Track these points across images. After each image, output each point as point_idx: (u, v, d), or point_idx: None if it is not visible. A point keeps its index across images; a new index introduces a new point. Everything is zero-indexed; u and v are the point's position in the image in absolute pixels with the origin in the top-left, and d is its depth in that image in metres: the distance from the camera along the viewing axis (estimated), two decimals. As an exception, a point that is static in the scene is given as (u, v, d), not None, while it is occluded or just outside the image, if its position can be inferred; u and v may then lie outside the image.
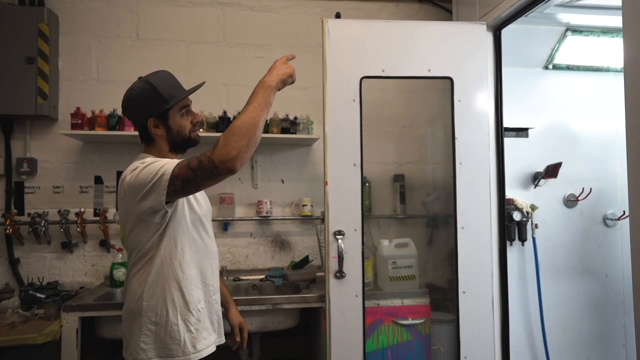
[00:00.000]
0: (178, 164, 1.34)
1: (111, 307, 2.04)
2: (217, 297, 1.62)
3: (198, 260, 1.53)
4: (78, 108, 2.44)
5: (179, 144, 1.55)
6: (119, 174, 2.56)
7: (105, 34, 2.69)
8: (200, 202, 1.58)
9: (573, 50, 2.55)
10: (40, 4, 2.55)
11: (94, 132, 2.42)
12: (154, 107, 1.48)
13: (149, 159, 1.43)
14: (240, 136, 1.28)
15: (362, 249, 2.13)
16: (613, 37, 2.45)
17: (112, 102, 2.59)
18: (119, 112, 2.48)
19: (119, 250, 2.50)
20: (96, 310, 2.04)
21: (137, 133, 2.42)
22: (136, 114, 1.53)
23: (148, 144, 1.56)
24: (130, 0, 2.72)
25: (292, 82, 1.47)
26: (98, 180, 2.65)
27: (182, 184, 1.32)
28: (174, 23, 2.76)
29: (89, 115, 2.47)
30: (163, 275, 1.45)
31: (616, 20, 2.31)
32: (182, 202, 1.48)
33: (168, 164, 1.35)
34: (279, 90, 1.43)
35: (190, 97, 1.58)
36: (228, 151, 1.26)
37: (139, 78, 1.55)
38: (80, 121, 2.43)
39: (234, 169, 1.27)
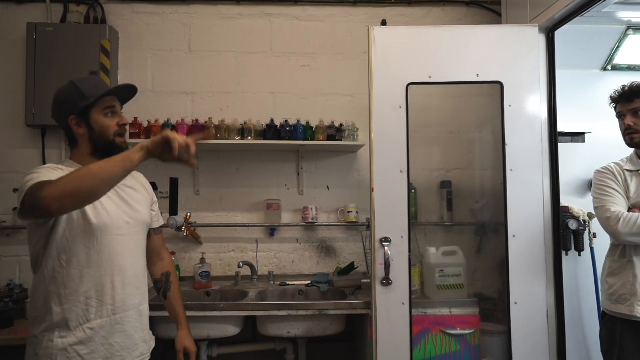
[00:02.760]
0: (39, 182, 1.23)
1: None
2: (127, 317, 1.45)
3: (91, 276, 1.39)
4: (136, 118, 2.58)
5: (101, 147, 1.46)
6: (172, 180, 2.69)
7: (160, 47, 2.83)
8: (105, 212, 1.42)
9: (635, 49, 2.42)
10: (103, 22, 2.74)
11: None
12: (74, 103, 1.44)
13: (38, 169, 1.36)
14: (73, 179, 1.19)
15: (409, 256, 2.11)
16: (680, 34, 2.30)
17: (166, 112, 2.73)
18: (173, 121, 2.61)
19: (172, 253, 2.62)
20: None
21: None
22: (59, 111, 1.47)
23: (72, 148, 1.51)
24: (183, 15, 2.85)
25: (176, 154, 1.25)
26: (153, 186, 2.77)
27: (22, 205, 1.25)
28: (224, 35, 2.86)
29: (145, 125, 2.61)
30: (45, 288, 1.37)
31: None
32: (75, 212, 1.36)
33: (35, 177, 1.27)
34: (154, 155, 1.28)
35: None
36: (52, 188, 1.18)
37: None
38: (137, 131, 2.57)
39: (47, 207, 1.17)
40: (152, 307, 1.95)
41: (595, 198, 1.92)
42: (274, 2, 2.87)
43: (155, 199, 1.72)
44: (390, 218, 2.12)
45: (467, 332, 2.20)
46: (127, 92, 1.55)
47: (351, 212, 2.74)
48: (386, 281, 2.07)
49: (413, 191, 2.60)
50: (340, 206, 2.80)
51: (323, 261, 2.82)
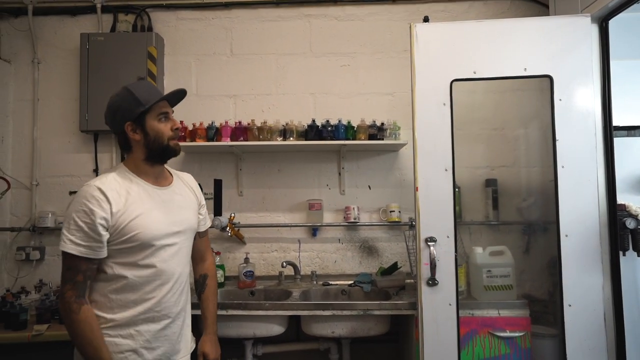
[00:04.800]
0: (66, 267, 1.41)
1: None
2: (171, 324, 1.53)
3: (141, 285, 1.48)
4: (181, 121, 2.66)
5: (156, 152, 1.51)
6: (216, 181, 2.75)
7: (204, 52, 2.91)
8: (153, 224, 1.48)
9: (696, 37, 2.27)
10: (149, 30, 2.84)
11: (194, 143, 2.62)
12: (130, 110, 1.46)
13: (83, 189, 1.42)
14: (71, 330, 1.40)
15: (455, 256, 2.07)
16: None
17: (209, 115, 2.80)
18: (217, 124, 2.68)
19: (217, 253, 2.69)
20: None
21: (233, 143, 2.60)
22: (114, 118, 1.50)
23: (127, 152, 1.55)
24: (225, 20, 2.92)
25: None
26: (198, 187, 2.86)
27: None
28: (264, 37, 2.91)
29: (190, 127, 2.68)
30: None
31: None
32: (123, 228, 1.43)
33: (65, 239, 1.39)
34: None
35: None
36: (66, 314, 1.39)
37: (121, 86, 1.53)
38: (183, 134, 2.65)
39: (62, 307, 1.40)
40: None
41: None
42: (313, 2, 2.89)
43: (203, 201, 1.74)
44: (435, 217, 2.08)
45: (516, 334, 2.13)
46: (177, 96, 1.59)
47: (393, 211, 2.71)
48: (432, 281, 2.04)
49: (457, 189, 2.55)
50: (382, 206, 2.78)
51: (365, 261, 2.81)
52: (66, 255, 1.38)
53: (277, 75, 2.89)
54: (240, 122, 2.69)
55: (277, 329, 2.29)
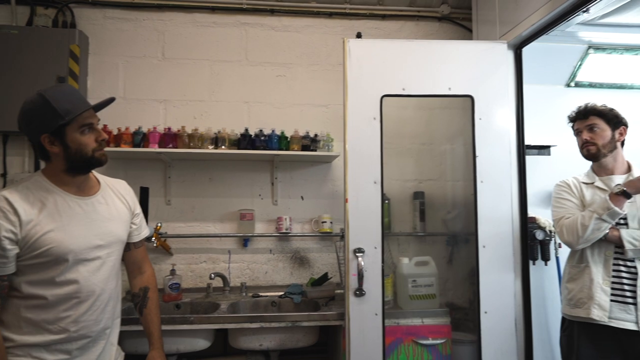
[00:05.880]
0: None
1: (132, 322, 2.04)
2: (93, 342, 1.44)
3: (59, 302, 1.38)
4: (105, 125, 2.51)
5: (78, 164, 1.39)
6: (142, 189, 2.62)
7: (133, 53, 2.78)
8: (71, 238, 1.37)
9: (595, 67, 2.53)
10: (72, 26, 2.67)
11: (119, 148, 2.49)
12: (47, 122, 1.33)
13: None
14: None
15: (382, 267, 2.12)
16: (637, 54, 2.43)
17: (137, 120, 2.67)
18: (145, 129, 2.56)
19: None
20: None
21: (162, 150, 2.50)
22: (28, 128, 1.37)
23: (46, 161, 1.43)
24: (157, 22, 2.81)
25: None
26: (122, 195, 2.71)
27: None
28: (198, 43, 2.84)
29: (115, 132, 2.54)
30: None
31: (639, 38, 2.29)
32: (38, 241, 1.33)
33: None
34: None
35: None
36: None
37: (37, 91, 1.37)
38: (107, 138, 2.50)
39: None
40: (125, 321, 1.85)
41: (552, 210, 2.05)
42: (249, 11, 2.87)
43: (137, 210, 1.64)
44: (364, 229, 2.13)
45: (438, 341, 2.22)
46: (104, 104, 1.48)
47: (325, 222, 2.74)
48: (359, 292, 2.08)
49: (387, 202, 2.63)
50: (315, 216, 2.80)
51: (297, 272, 2.81)
52: None
53: (211, 82, 2.83)
54: (169, 129, 2.59)
55: (202, 344, 2.21)
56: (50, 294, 1.33)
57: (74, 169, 1.40)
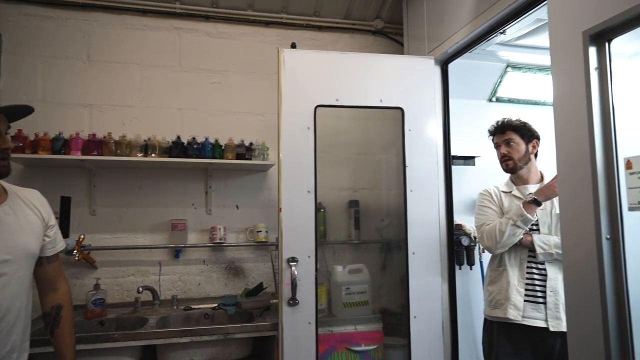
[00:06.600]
0: None
1: (45, 343, 1.87)
2: None
3: None
4: (20, 130, 2.33)
5: None
6: (63, 199, 2.45)
7: (54, 54, 2.60)
8: None
9: (513, 84, 2.73)
10: (-17, 22, 2.46)
11: (36, 155, 2.31)
12: None
13: None
14: None
15: (316, 275, 2.13)
16: (548, 74, 2.65)
17: (59, 125, 2.50)
18: (67, 135, 2.40)
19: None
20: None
21: (85, 157, 2.36)
22: None
23: None
24: (81, 22, 2.66)
25: None
26: (40, 205, 2.51)
27: None
28: (128, 46, 2.72)
29: (32, 138, 2.36)
30: None
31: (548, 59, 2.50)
32: None
33: None
34: None
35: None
36: None
37: None
38: (21, 144, 2.32)
39: None
40: (36, 343, 1.72)
41: (475, 217, 2.20)
42: (183, 16, 2.80)
43: (52, 222, 1.53)
44: (298, 238, 2.13)
45: (371, 347, 2.27)
46: (19, 112, 1.37)
47: (260, 231, 2.71)
48: (293, 301, 2.07)
49: (322, 210, 2.66)
50: (250, 226, 2.76)
51: (231, 282, 2.74)
52: None
53: (142, 87, 2.71)
54: (94, 135, 2.45)
55: (128, 362, 2.09)
56: None
57: None
